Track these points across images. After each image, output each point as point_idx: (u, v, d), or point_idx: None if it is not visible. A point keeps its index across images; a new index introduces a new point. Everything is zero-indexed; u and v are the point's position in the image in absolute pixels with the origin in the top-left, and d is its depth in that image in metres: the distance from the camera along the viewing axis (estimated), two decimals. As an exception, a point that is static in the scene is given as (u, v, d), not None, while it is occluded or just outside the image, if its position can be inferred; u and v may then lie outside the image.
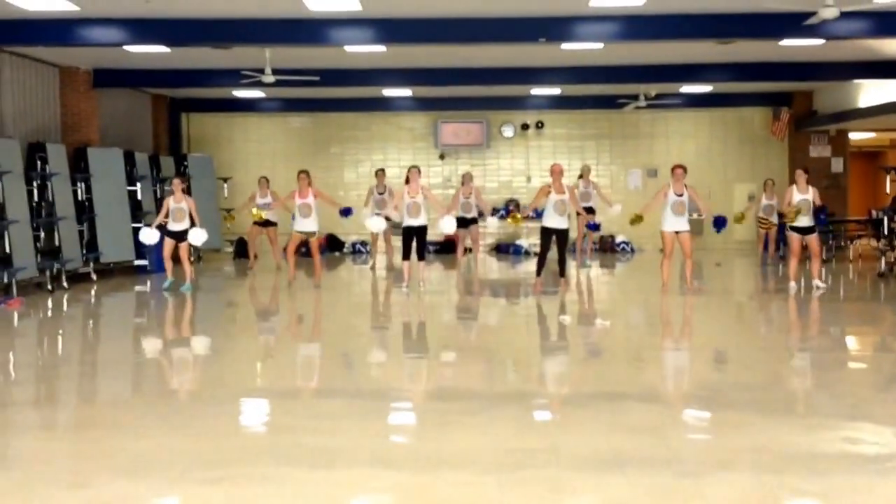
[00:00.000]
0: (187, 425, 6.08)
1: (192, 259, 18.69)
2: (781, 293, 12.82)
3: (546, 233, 12.75)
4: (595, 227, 16.97)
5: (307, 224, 13.27)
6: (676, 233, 12.59)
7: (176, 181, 13.53)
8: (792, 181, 13.63)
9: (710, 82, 18.70)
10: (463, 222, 16.53)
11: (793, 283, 12.73)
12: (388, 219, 16.21)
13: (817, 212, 13.24)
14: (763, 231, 17.07)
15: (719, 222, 14.39)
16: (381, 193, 16.41)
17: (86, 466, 5.21)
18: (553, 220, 12.67)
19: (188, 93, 20.18)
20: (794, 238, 12.85)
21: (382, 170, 17.04)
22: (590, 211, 16.85)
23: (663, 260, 12.90)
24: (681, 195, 12.50)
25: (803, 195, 12.64)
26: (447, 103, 21.11)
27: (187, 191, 13.59)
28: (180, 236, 13.32)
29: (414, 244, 13.07)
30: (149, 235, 13.50)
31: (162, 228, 13.39)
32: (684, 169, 12.78)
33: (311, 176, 13.45)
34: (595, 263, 17.60)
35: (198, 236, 13.25)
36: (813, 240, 12.86)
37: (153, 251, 15.89)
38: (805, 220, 12.66)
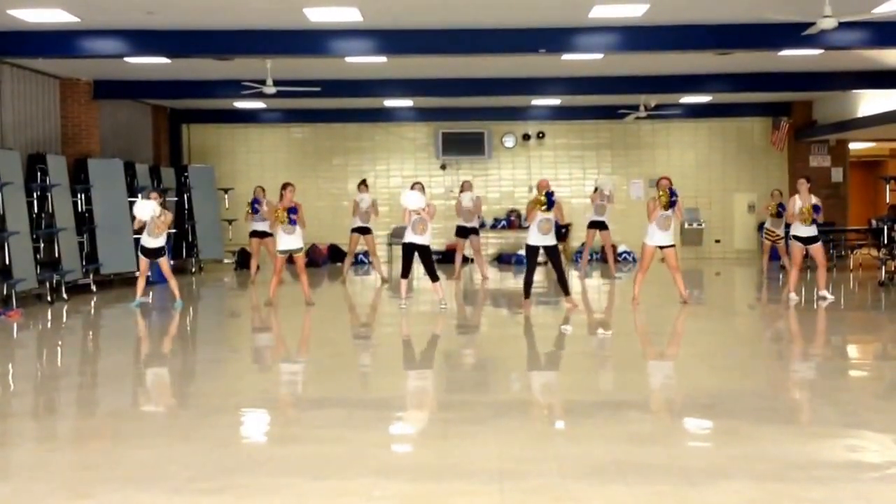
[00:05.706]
0: (189, 435, 6.08)
1: (193, 270, 18.83)
2: (782, 303, 12.81)
3: (530, 251, 12.29)
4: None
5: (291, 241, 12.53)
6: (661, 247, 12.30)
7: (153, 195, 13.16)
8: (793, 191, 13.51)
9: (709, 93, 18.75)
10: (463, 231, 16.43)
11: (793, 294, 12.60)
12: (368, 230, 16.16)
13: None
14: (769, 243, 16.76)
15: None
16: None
17: (88, 477, 5.20)
18: (535, 238, 12.12)
19: (189, 104, 20.22)
20: (797, 248, 12.65)
21: (364, 181, 16.83)
22: (603, 226, 16.50)
23: (637, 274, 12.71)
24: (667, 209, 12.13)
25: (807, 204, 12.48)
26: (448, 114, 21.18)
27: (165, 204, 13.27)
28: (157, 254, 13.01)
29: (415, 264, 12.38)
30: (142, 207, 12.55)
31: (138, 245, 12.92)
32: (670, 181, 12.43)
33: (294, 190, 12.64)
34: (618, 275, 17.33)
35: (143, 208, 12.58)
36: (817, 249, 12.67)
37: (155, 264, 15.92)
38: (809, 230, 12.53)
